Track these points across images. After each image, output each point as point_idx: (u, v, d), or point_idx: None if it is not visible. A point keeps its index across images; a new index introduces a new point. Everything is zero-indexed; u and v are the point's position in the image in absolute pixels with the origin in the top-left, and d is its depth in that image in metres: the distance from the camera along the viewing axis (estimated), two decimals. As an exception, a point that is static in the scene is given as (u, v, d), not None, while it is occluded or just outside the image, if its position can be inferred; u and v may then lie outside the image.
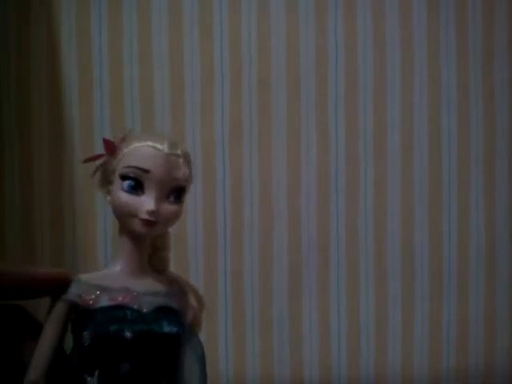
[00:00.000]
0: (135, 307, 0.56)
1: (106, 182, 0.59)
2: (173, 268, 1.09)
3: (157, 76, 1.09)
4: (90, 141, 1.08)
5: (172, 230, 1.08)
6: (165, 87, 1.09)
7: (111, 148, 0.58)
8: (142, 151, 0.56)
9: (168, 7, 1.09)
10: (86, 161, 0.59)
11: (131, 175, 0.56)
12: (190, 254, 1.08)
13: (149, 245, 0.60)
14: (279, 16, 1.10)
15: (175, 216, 0.58)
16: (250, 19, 1.10)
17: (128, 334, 0.55)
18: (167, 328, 0.56)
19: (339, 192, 1.11)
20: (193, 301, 0.61)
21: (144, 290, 0.58)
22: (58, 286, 0.54)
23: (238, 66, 1.09)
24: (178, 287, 0.61)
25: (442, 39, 1.13)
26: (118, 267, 0.58)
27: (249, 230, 1.10)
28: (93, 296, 0.56)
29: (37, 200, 1.08)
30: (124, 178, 0.56)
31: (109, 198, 0.58)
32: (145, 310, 0.57)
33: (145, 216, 0.55)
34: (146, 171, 0.56)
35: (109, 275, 0.58)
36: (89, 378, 0.55)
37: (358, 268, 1.11)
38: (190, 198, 1.09)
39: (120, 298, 0.56)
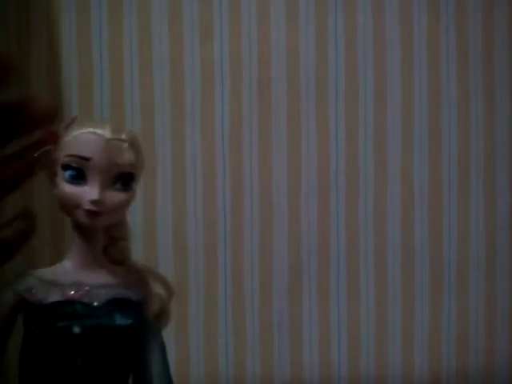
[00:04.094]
0: (85, 301, 0.55)
1: (51, 174, 0.56)
2: (173, 268, 1.10)
3: (157, 76, 1.09)
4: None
5: (172, 230, 1.08)
6: (165, 87, 1.09)
7: (52, 137, 0.54)
8: (82, 138, 0.53)
9: (168, 7, 1.09)
10: (37, 160, 0.55)
11: (72, 164, 0.53)
12: (190, 253, 1.08)
13: (102, 236, 0.58)
14: (279, 16, 1.10)
15: (123, 204, 0.56)
16: (250, 19, 1.10)
17: (76, 330, 0.53)
18: (120, 320, 0.55)
19: (339, 192, 1.11)
20: (159, 290, 0.59)
21: (97, 283, 0.56)
22: (47, 118, 0.47)
23: (238, 66, 1.09)
24: (138, 277, 0.59)
25: (442, 40, 1.13)
26: (69, 261, 0.57)
27: (249, 230, 1.10)
28: (43, 291, 0.55)
29: (37, 200, 1.08)
30: (65, 167, 0.53)
31: (54, 191, 0.56)
32: (96, 304, 0.55)
33: (88, 206, 0.53)
34: (86, 159, 0.52)
35: (61, 270, 0.57)
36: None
37: (357, 268, 1.11)
38: (189, 198, 1.09)
39: (71, 293, 0.55)
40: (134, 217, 1.08)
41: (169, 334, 1.08)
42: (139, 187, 1.07)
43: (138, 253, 1.08)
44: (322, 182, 1.11)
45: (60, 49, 1.08)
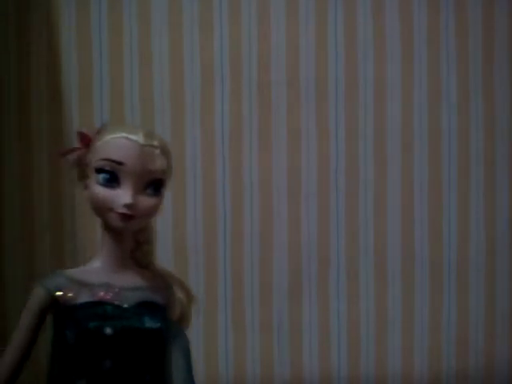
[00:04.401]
0: (116, 303, 0.56)
1: (82, 176, 0.57)
2: (173, 268, 1.09)
3: (157, 76, 1.09)
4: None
5: (172, 230, 1.07)
6: (165, 87, 1.09)
7: (86, 141, 0.56)
8: (116, 143, 0.55)
9: (168, 7, 1.09)
10: (62, 154, 0.58)
11: (106, 168, 0.54)
12: (190, 253, 1.08)
13: (131, 239, 0.59)
14: (279, 16, 1.10)
15: (154, 209, 0.57)
16: (250, 19, 1.10)
17: (108, 331, 0.54)
18: (149, 323, 0.56)
19: (339, 192, 1.11)
20: (180, 294, 0.61)
21: (125, 285, 0.57)
22: None
23: (238, 66, 1.09)
24: (163, 281, 0.60)
25: (442, 40, 1.13)
26: (98, 262, 0.58)
27: (249, 230, 1.09)
28: (73, 291, 0.56)
29: (37, 200, 1.08)
30: (99, 171, 0.55)
31: (86, 192, 0.57)
32: (126, 306, 0.56)
33: (121, 210, 0.54)
34: (120, 163, 0.54)
35: (90, 271, 0.58)
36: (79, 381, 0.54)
37: (358, 269, 1.11)
38: (189, 198, 1.09)
39: (101, 294, 0.56)
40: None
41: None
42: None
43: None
44: (322, 182, 1.11)
45: (60, 49, 1.08)
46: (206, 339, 1.08)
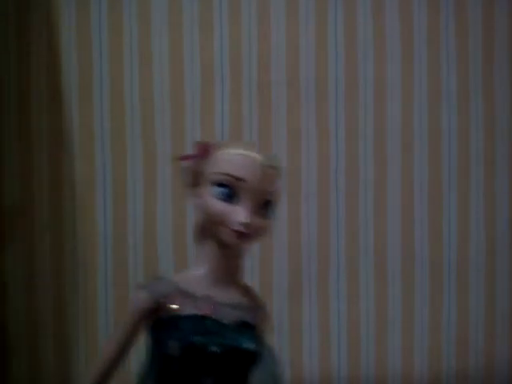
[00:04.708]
0: (216, 318, 0.55)
1: (194, 183, 0.57)
2: (173, 268, 1.10)
3: (157, 76, 1.09)
4: (89, 141, 1.08)
5: (172, 230, 1.07)
6: (165, 87, 1.09)
7: (204, 151, 0.56)
8: (238, 159, 0.54)
9: (168, 7, 1.09)
10: (181, 159, 0.58)
11: (225, 182, 0.54)
12: (190, 253, 1.08)
13: (238, 256, 0.57)
14: (279, 16, 1.10)
15: (266, 230, 0.56)
16: (250, 19, 1.10)
17: (214, 348, 0.53)
18: (246, 344, 0.55)
19: (339, 192, 1.11)
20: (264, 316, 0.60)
21: (226, 301, 0.56)
22: None
23: (238, 66, 1.09)
24: (255, 301, 0.59)
25: (442, 40, 1.13)
26: (202, 273, 0.57)
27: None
28: (178, 301, 0.55)
29: (37, 200, 1.08)
30: (218, 184, 0.54)
31: (197, 200, 0.57)
32: (225, 322, 0.55)
33: (237, 227, 0.54)
34: (241, 180, 0.54)
35: (192, 280, 0.56)
36: None
37: (358, 269, 1.11)
38: (190, 198, 1.09)
39: (203, 308, 0.55)
40: (134, 217, 1.08)
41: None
42: (139, 187, 1.07)
43: (138, 252, 1.08)
44: (322, 182, 1.11)
45: (60, 49, 1.08)
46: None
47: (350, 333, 1.11)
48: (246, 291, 0.59)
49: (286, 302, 1.10)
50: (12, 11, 1.07)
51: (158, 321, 0.55)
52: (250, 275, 1.09)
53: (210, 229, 0.55)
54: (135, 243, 1.08)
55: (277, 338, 1.10)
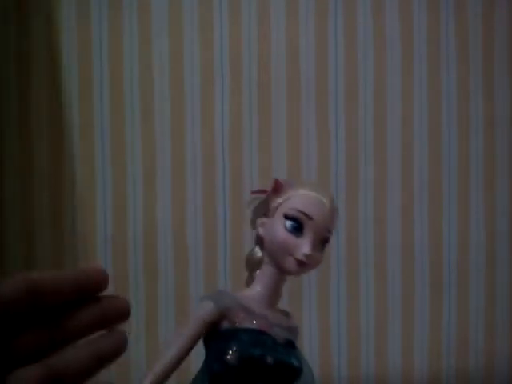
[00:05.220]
0: (272, 335, 0.61)
1: (260, 214, 0.64)
2: (173, 268, 1.10)
3: (157, 76, 1.09)
4: (89, 141, 1.08)
5: (172, 230, 1.08)
6: (165, 87, 1.09)
7: (278, 188, 0.64)
8: (310, 199, 0.62)
9: (168, 7, 1.09)
10: (254, 193, 0.65)
11: (296, 217, 0.61)
12: (190, 253, 1.08)
13: (285, 280, 0.64)
14: (279, 16, 1.10)
15: (319, 263, 0.63)
16: (250, 19, 1.10)
17: (270, 360, 0.58)
18: (294, 361, 0.61)
19: (339, 192, 1.11)
20: None
21: (278, 322, 0.62)
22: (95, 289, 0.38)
23: (237, 66, 1.09)
24: (293, 323, 0.66)
25: (442, 40, 1.13)
26: (260, 294, 0.63)
27: (249, 230, 1.09)
28: (239, 315, 0.60)
29: (37, 200, 1.08)
30: (288, 218, 0.61)
31: (260, 229, 0.63)
32: (279, 341, 0.61)
33: (301, 257, 0.60)
34: (310, 218, 0.61)
35: (251, 299, 0.62)
36: None
37: (358, 268, 1.11)
38: (190, 198, 1.09)
39: (262, 324, 0.61)
40: (135, 217, 1.08)
41: (169, 335, 1.08)
42: (139, 188, 1.07)
43: (138, 253, 1.08)
44: (322, 182, 1.11)
45: (60, 49, 1.08)
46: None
47: (350, 333, 1.11)
48: (286, 314, 0.66)
49: (285, 301, 1.10)
50: (12, 11, 1.07)
51: (216, 331, 0.60)
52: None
53: (274, 256, 0.62)
54: (135, 243, 1.08)
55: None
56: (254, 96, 1.10)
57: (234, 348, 0.58)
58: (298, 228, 0.61)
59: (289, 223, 0.61)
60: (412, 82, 1.12)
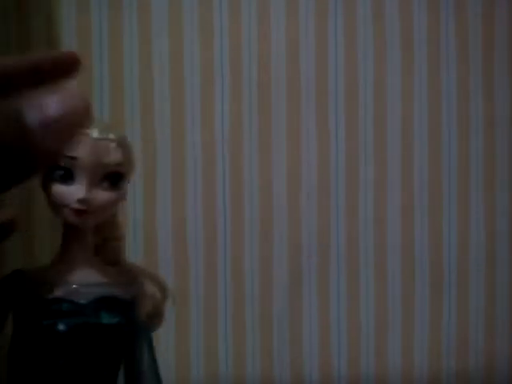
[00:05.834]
0: (73, 300, 0.55)
1: (41, 176, 0.57)
2: (173, 268, 1.10)
3: (157, 76, 1.09)
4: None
5: (172, 230, 1.07)
6: (165, 87, 1.09)
7: None
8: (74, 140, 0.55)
9: (168, 7, 1.09)
10: None
11: (60, 164, 0.54)
12: (190, 253, 1.08)
13: (91, 235, 0.58)
14: (279, 16, 1.10)
15: (110, 203, 0.56)
16: (250, 20, 1.10)
17: (61, 327, 0.54)
18: (107, 319, 0.56)
19: (339, 192, 1.11)
20: (153, 290, 0.60)
21: (85, 282, 0.57)
22: (66, 71, 0.29)
23: (238, 66, 1.09)
24: (130, 276, 0.60)
25: (442, 40, 1.13)
26: (58, 260, 0.58)
27: (249, 230, 1.10)
28: (33, 289, 0.56)
29: (37, 200, 1.08)
30: (54, 167, 0.55)
31: (45, 191, 0.57)
32: (82, 302, 0.56)
33: (75, 205, 0.54)
34: (73, 158, 0.54)
35: (50, 269, 0.58)
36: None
37: (358, 268, 1.11)
38: (190, 198, 1.09)
39: (57, 292, 0.56)
40: (135, 217, 1.08)
41: (169, 335, 1.08)
42: (139, 188, 1.07)
43: (138, 253, 1.08)
44: (322, 182, 1.11)
45: (60, 49, 1.08)
46: (206, 339, 1.08)
47: (350, 333, 1.11)
48: (125, 269, 0.59)
49: (285, 301, 1.10)
50: (12, 11, 1.07)
51: (16, 310, 0.56)
52: (251, 275, 1.09)
53: (55, 213, 0.56)
54: (135, 243, 1.08)
55: (276, 338, 1.10)
56: (253, 96, 1.10)
57: (26, 323, 0.54)
58: (66, 175, 0.54)
59: (56, 173, 0.54)
60: (412, 81, 1.12)
